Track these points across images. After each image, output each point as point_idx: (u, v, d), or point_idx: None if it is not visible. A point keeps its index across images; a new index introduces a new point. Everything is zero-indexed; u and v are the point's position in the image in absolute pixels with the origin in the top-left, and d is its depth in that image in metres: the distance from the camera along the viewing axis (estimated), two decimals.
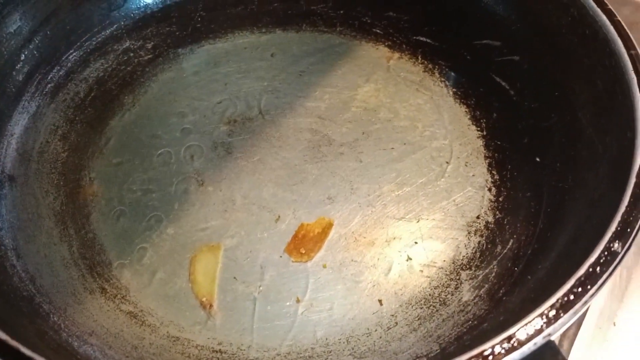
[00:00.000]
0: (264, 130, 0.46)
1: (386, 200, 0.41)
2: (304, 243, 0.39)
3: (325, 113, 0.47)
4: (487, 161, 0.43)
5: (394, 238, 0.40)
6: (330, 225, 0.40)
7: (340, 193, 0.42)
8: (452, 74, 0.49)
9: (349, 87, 0.49)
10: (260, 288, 0.38)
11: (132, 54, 0.51)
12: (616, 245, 0.29)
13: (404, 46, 0.51)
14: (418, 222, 0.40)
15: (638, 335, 0.41)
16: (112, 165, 0.44)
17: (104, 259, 0.39)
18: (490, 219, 0.40)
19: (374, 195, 0.42)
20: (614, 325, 0.41)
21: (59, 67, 0.49)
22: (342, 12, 0.54)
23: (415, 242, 0.39)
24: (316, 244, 0.39)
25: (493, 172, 0.43)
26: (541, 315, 0.27)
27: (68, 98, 0.48)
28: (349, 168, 0.43)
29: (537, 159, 0.42)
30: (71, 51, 0.49)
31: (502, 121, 0.45)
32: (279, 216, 0.41)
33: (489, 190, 0.42)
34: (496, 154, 0.44)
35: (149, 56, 0.51)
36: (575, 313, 0.27)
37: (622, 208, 0.30)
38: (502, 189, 0.42)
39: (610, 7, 0.40)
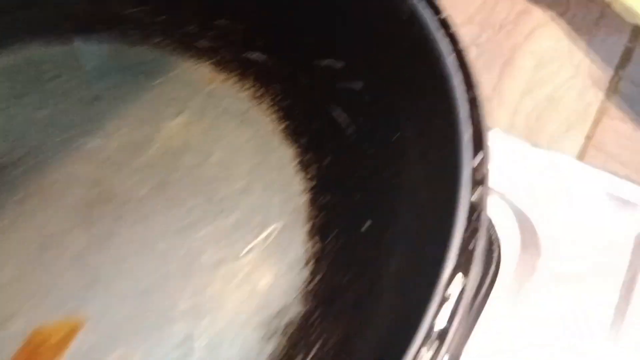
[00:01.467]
0: (24, 182, 0.35)
1: (168, 289, 0.31)
2: (37, 355, 0.29)
3: (112, 156, 0.36)
4: (309, 224, 0.34)
5: (168, 344, 0.29)
6: (76, 329, 0.29)
7: (104, 277, 0.31)
8: (285, 102, 0.39)
9: (153, 120, 0.38)
10: None
11: None
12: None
13: (232, 64, 0.40)
14: (204, 319, 0.30)
15: None
16: None
17: None
18: (298, 310, 0.31)
19: (151, 280, 0.31)
20: None
21: None
22: (163, 17, 0.42)
23: (198, 349, 0.30)
24: (53, 356, 0.29)
25: (315, 239, 0.33)
26: None
27: None
28: (125, 239, 0.33)
29: (370, 222, 0.33)
30: None
31: (335, 168, 0.36)
32: (12, 314, 0.30)
33: (305, 267, 0.32)
34: (322, 213, 0.34)
35: None
36: None
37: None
38: (321, 263, 0.32)
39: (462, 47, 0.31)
